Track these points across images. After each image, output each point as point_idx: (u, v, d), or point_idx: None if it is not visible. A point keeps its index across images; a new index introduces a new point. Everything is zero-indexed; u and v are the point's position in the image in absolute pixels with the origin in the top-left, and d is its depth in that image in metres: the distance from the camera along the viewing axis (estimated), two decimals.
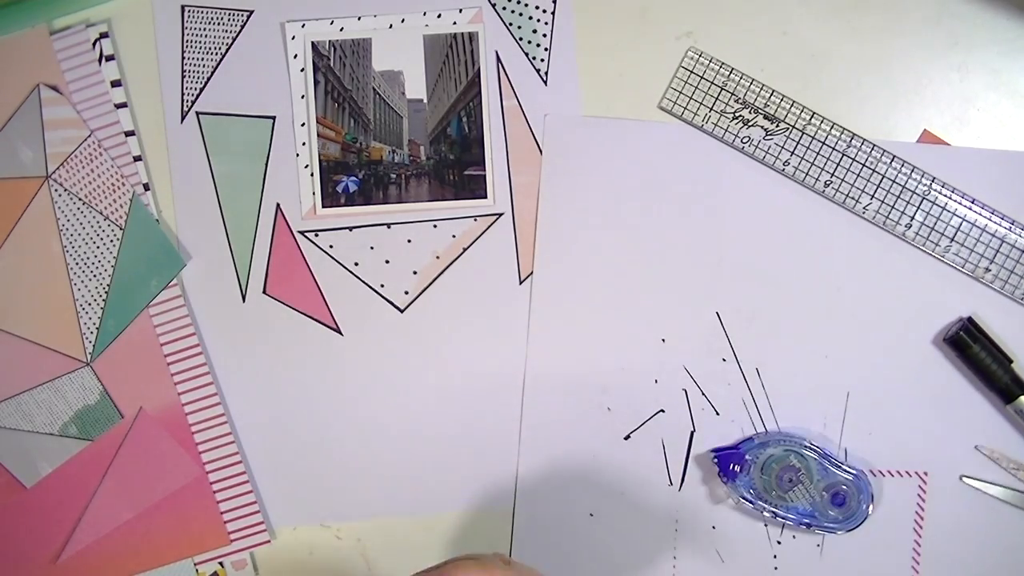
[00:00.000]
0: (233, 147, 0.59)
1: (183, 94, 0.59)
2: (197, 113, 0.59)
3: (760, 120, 0.56)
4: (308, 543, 0.59)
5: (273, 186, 0.59)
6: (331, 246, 0.59)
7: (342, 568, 0.59)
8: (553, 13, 0.58)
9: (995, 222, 0.56)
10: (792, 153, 0.57)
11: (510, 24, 0.58)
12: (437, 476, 0.58)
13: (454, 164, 0.58)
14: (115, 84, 0.58)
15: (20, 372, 0.58)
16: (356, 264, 0.59)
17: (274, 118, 0.59)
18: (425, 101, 0.59)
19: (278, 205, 0.59)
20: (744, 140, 0.57)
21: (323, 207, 0.58)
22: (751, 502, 0.55)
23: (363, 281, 0.59)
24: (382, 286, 0.59)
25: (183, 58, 0.59)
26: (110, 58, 0.58)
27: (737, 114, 0.56)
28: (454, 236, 0.59)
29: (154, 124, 0.59)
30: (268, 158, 0.59)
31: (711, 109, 0.57)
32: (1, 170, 0.58)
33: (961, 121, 0.57)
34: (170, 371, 0.58)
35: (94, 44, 0.58)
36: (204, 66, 0.59)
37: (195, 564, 0.58)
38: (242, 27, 0.59)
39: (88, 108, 0.58)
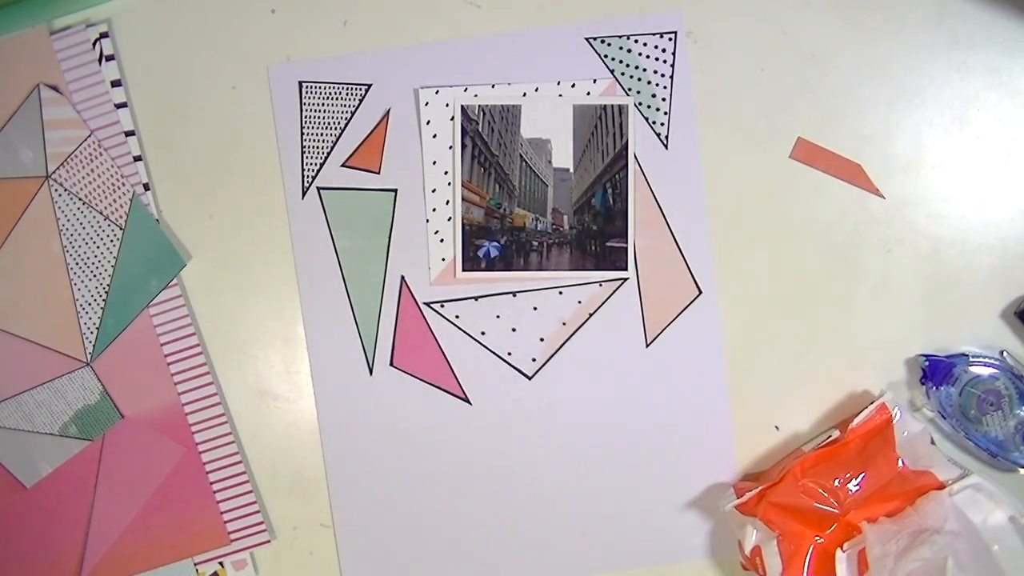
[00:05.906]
0: (355, 221, 0.58)
1: (303, 170, 0.59)
2: (318, 189, 0.58)
3: None
4: (308, 543, 0.59)
5: (397, 258, 0.58)
6: (457, 316, 0.58)
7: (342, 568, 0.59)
8: (671, 77, 0.58)
9: None
10: None
11: (629, 90, 0.58)
12: (567, 542, 0.58)
13: (597, 235, 0.58)
14: (115, 84, 0.58)
15: (20, 372, 0.58)
16: (483, 333, 0.58)
17: (396, 191, 0.58)
18: (571, 171, 0.58)
19: (403, 277, 0.58)
20: None
21: (463, 270, 0.58)
22: (944, 417, 0.55)
23: (490, 350, 0.58)
24: (509, 354, 0.58)
25: (302, 134, 0.59)
26: (110, 58, 0.58)
27: None
28: (580, 302, 0.58)
29: (158, 123, 0.59)
30: (391, 230, 0.58)
31: None
32: (1, 170, 0.58)
33: (961, 121, 0.57)
34: (170, 371, 0.58)
35: (94, 44, 0.58)
36: (323, 141, 0.59)
37: (195, 564, 0.58)
38: (360, 101, 0.58)
39: (88, 108, 0.58)
